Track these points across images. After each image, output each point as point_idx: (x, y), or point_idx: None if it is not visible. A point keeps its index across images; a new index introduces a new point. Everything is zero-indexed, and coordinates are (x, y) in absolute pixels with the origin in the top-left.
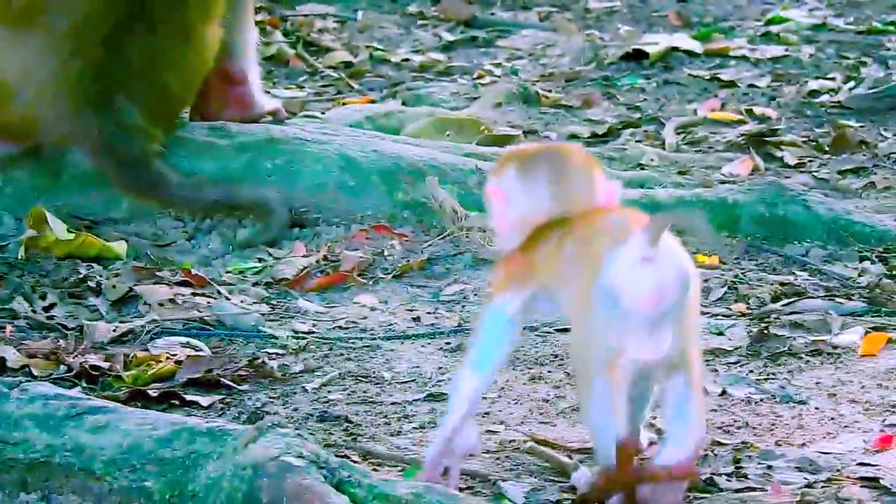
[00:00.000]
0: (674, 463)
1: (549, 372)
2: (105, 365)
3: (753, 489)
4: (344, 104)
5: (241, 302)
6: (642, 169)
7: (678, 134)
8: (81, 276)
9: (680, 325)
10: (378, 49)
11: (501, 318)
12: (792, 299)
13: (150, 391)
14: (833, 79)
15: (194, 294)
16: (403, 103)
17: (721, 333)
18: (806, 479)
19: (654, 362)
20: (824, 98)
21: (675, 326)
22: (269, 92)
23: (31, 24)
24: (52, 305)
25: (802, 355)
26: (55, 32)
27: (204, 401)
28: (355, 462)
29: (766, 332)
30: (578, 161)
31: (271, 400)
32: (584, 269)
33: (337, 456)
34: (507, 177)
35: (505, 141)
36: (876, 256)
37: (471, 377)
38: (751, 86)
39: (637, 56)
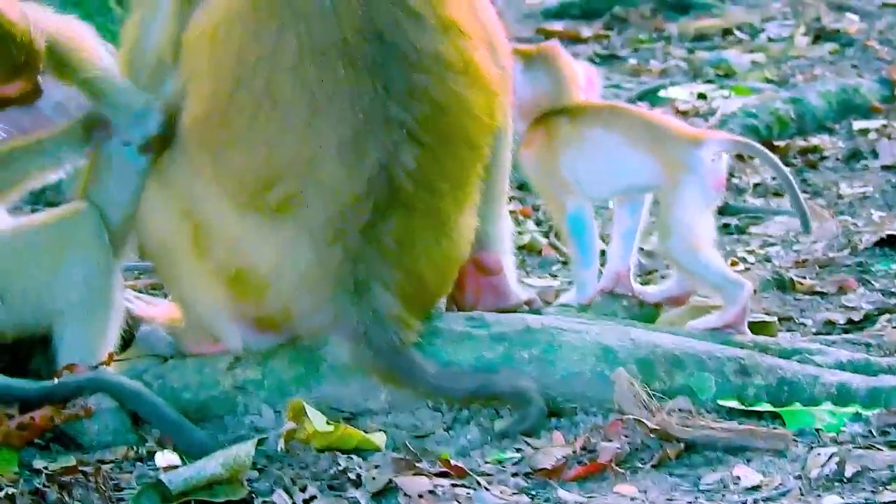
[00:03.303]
0: None
1: None
2: None
3: None
4: (600, 293)
5: (501, 492)
6: None
7: None
8: (341, 467)
9: None
10: None
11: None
12: None
13: None
14: None
15: (454, 485)
16: None
17: None
18: None
19: None
20: None
21: None
22: (523, 281)
23: (288, 214)
24: (312, 497)
25: None
26: (313, 222)
27: None
28: None
29: None
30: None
31: None
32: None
33: None
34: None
35: (761, 329)
36: None
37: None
38: None
39: (891, 241)
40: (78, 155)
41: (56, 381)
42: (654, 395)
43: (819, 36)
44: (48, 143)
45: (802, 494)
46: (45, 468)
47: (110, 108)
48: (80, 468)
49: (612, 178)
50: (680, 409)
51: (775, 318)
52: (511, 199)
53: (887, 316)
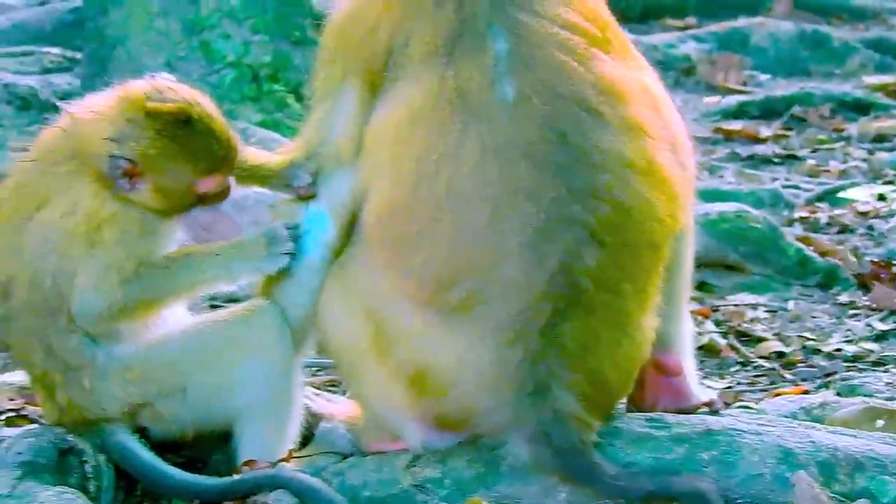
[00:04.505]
0: None
1: None
2: None
3: None
4: (777, 395)
5: None
6: None
7: None
8: None
9: None
10: (810, 339)
11: None
12: None
13: None
14: None
15: None
16: (837, 394)
17: None
18: None
19: None
20: None
21: None
22: (702, 382)
23: (468, 313)
24: None
25: None
26: (493, 322)
27: None
28: None
29: None
30: None
31: None
32: None
33: None
34: None
35: None
36: None
37: None
38: None
39: None
40: (253, 272)
41: (236, 477)
42: (834, 497)
43: None
44: (224, 256)
45: None
46: None
47: (281, 187)
48: None
49: None
50: None
51: None
52: (690, 299)
53: None
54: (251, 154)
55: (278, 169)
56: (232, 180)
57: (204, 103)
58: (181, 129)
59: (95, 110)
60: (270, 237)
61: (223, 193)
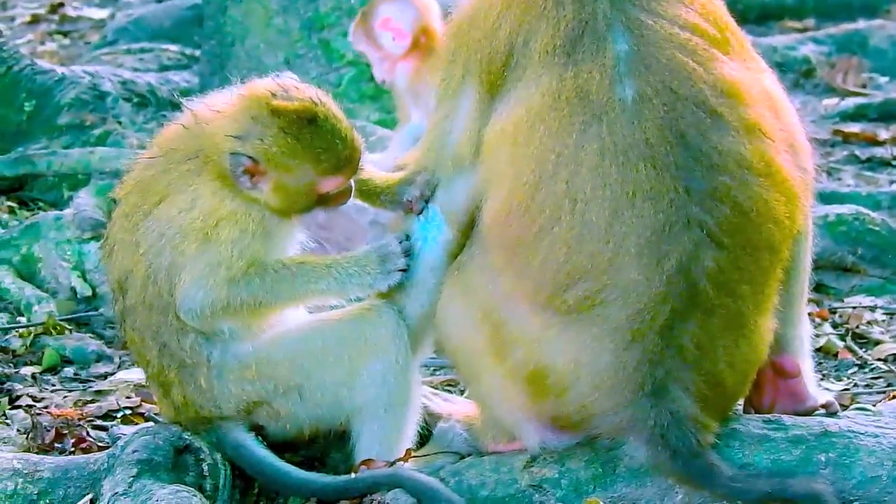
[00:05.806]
0: None
1: None
2: None
3: None
4: (894, 397)
5: None
6: None
7: None
8: None
9: None
10: None
11: None
12: None
13: None
14: None
15: None
16: None
17: None
18: None
19: None
20: None
21: None
22: (819, 384)
23: (586, 314)
24: None
25: None
26: (611, 323)
27: None
28: None
29: None
30: None
31: None
32: None
33: None
34: None
35: None
36: None
37: None
38: None
39: None
40: (365, 288)
41: (353, 476)
42: None
43: None
44: (337, 269)
45: None
46: None
47: (391, 204)
48: None
49: None
50: None
51: None
52: (808, 301)
53: None
54: (365, 170)
55: (389, 186)
56: (353, 182)
57: (329, 103)
58: (305, 127)
59: (218, 108)
60: (383, 253)
61: (345, 195)
